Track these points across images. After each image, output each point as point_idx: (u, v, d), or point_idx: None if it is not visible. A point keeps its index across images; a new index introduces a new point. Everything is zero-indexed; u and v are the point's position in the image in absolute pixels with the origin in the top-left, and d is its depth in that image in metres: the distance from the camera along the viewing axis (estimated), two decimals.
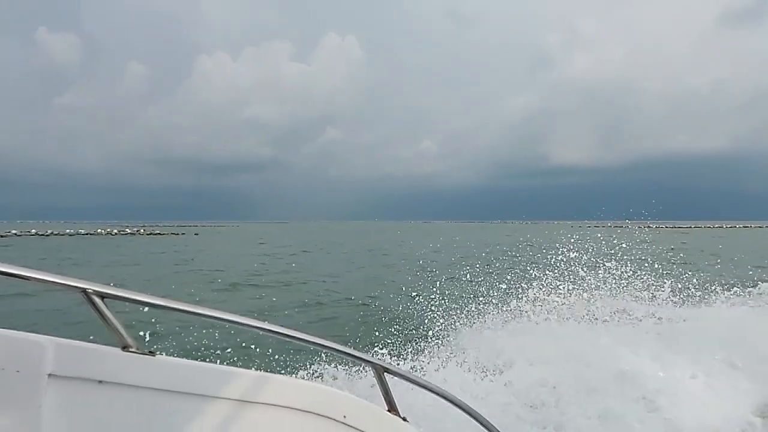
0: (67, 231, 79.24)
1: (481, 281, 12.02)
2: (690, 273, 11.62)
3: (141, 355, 1.36)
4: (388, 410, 1.90)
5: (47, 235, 69.32)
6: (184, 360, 1.47)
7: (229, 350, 7.05)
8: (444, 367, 6.28)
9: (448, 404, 2.04)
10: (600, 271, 10.38)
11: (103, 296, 1.31)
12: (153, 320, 7.42)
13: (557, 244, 11.21)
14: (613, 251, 11.03)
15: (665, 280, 10.67)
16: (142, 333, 5.08)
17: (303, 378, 5.56)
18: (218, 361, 1.62)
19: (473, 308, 9.31)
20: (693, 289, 10.30)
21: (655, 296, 10.25)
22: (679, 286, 10.57)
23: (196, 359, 1.51)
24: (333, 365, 6.23)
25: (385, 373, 1.88)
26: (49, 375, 1.20)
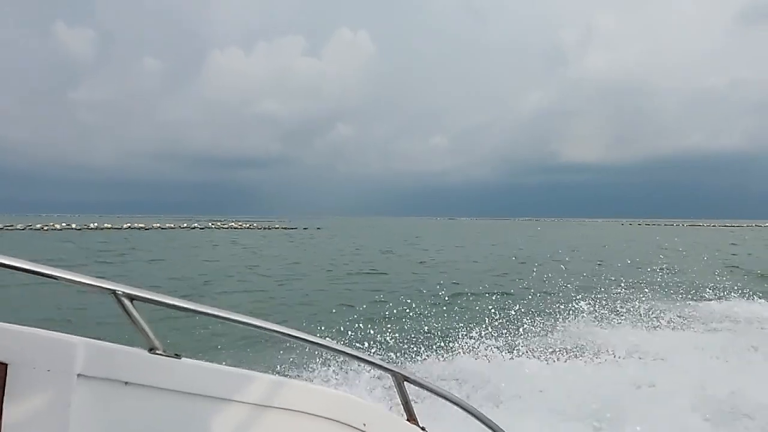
0: (177, 225, 79.75)
1: None
2: None
3: (167, 358, 1.38)
4: (408, 419, 1.89)
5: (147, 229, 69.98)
6: (209, 363, 1.49)
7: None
8: None
9: (468, 415, 2.02)
10: None
11: (132, 298, 1.33)
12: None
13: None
14: None
15: None
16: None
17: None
18: (242, 365, 1.63)
19: None
20: None
21: None
22: None
23: (221, 363, 1.53)
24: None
25: (405, 382, 1.88)
26: (79, 375, 1.22)
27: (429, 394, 1.95)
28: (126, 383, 1.31)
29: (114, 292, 1.31)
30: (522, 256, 29.70)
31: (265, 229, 79.55)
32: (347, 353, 1.81)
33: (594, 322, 10.13)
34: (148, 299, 1.36)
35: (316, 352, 6.56)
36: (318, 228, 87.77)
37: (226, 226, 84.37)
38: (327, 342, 1.76)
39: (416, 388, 1.92)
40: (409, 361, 7.56)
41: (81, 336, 1.31)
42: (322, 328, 9.08)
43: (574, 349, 7.86)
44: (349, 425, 1.72)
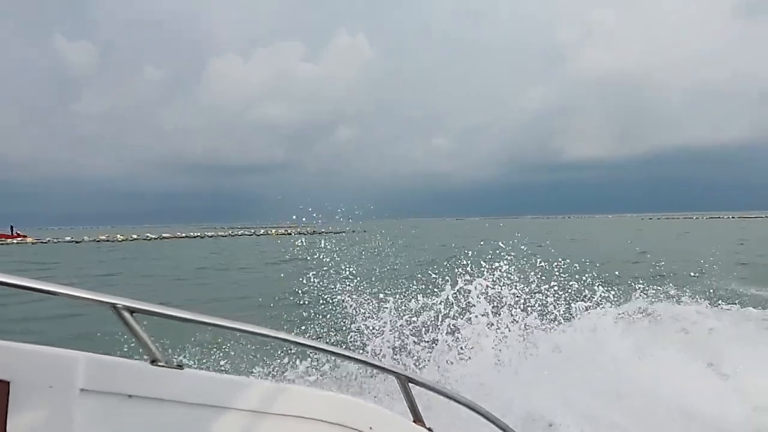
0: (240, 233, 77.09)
1: None
2: None
3: (169, 369, 1.37)
4: (414, 421, 1.89)
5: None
6: (212, 373, 1.48)
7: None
8: None
9: (475, 415, 2.02)
10: None
11: (132, 311, 1.33)
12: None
13: None
14: None
15: None
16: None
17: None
18: (245, 373, 1.63)
19: None
20: None
21: None
22: None
23: (224, 372, 1.53)
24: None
25: (410, 383, 1.88)
26: (81, 390, 1.22)
27: (436, 395, 1.94)
28: (129, 396, 1.30)
29: (114, 305, 1.31)
30: (620, 251, 29.38)
31: (317, 233, 77.24)
32: (350, 357, 1.81)
33: None
34: (148, 311, 1.36)
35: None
36: (364, 231, 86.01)
37: (272, 232, 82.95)
38: (330, 347, 1.76)
39: (422, 389, 1.92)
40: None
41: (82, 351, 1.30)
42: None
43: None
44: (355, 429, 1.72)
